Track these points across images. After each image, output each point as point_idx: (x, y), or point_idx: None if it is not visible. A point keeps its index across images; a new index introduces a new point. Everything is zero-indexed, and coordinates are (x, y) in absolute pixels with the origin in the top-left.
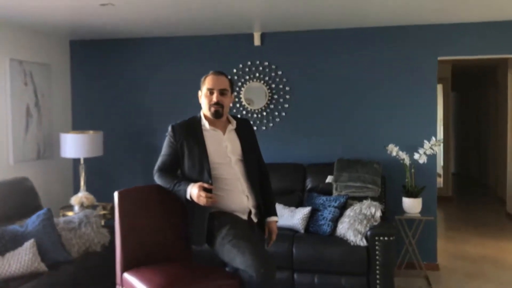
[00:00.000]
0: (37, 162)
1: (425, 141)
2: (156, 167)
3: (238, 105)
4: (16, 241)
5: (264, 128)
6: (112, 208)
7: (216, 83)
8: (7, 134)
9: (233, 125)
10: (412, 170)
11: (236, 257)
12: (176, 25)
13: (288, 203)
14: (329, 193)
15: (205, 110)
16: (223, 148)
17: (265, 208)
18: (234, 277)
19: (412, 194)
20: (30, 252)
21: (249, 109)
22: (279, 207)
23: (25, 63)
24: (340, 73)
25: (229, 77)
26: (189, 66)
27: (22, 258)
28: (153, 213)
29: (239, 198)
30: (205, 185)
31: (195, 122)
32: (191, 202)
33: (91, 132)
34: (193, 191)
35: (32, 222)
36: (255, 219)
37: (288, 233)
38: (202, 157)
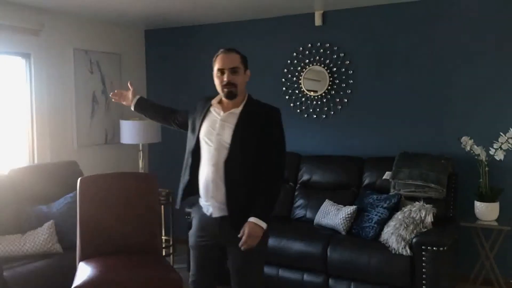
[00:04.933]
0: (104, 146)
1: (501, 134)
2: None
3: (297, 91)
4: (39, 221)
5: (324, 116)
6: (168, 194)
7: (226, 61)
8: (72, 119)
9: (239, 108)
10: (486, 168)
11: None
12: (240, 9)
13: (339, 200)
14: (387, 191)
15: (219, 91)
16: (214, 129)
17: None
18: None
19: (485, 198)
20: (47, 233)
21: (308, 95)
22: (327, 204)
23: (91, 52)
24: (411, 53)
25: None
26: (251, 49)
27: (38, 238)
28: (116, 202)
29: (205, 185)
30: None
31: (211, 98)
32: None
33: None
34: None
35: (59, 204)
36: (216, 213)
37: (326, 233)
38: (194, 132)
